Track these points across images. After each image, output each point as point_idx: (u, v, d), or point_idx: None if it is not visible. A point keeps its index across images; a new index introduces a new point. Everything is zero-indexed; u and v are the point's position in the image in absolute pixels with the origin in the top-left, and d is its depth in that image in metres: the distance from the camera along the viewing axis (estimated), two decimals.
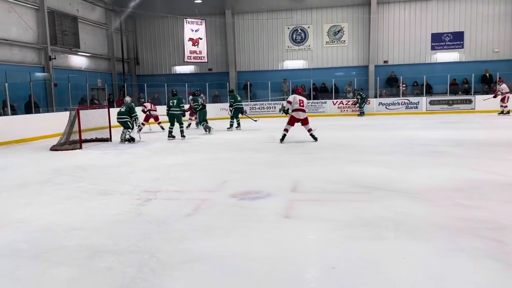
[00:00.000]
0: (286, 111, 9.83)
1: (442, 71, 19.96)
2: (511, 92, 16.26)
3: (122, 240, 3.61)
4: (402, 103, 19.47)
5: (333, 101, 20.03)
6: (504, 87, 16.19)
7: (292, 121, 9.76)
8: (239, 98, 14.12)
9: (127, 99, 11.78)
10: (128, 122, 11.12)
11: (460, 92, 19.44)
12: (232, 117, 13.87)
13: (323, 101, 20.21)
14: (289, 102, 9.71)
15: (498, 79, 17.49)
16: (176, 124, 11.58)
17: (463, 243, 3.31)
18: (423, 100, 19.25)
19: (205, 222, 4.07)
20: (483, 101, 17.33)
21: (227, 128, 13.70)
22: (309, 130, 9.84)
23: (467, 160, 6.97)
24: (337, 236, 3.57)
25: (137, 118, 11.45)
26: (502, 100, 16.07)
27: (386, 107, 19.66)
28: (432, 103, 19.18)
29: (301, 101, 9.66)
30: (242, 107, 14.36)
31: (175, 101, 11.40)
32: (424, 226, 3.74)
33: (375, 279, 2.79)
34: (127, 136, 11.14)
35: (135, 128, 11.38)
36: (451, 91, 19.61)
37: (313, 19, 21.54)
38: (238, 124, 14.08)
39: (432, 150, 8.12)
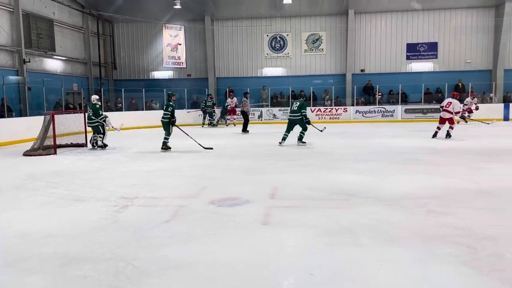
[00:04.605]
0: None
1: (417, 80, 20.46)
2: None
3: (97, 248, 3.54)
4: (378, 111, 19.86)
5: (311, 109, 20.17)
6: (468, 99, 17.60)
7: (440, 120, 11.62)
8: (295, 108, 11.07)
9: (93, 98, 10.91)
10: (100, 127, 10.61)
11: (434, 101, 19.92)
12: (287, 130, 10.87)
13: None
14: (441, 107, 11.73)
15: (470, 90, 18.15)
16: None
17: (438, 250, 3.38)
18: (399, 109, 19.70)
19: (182, 229, 4.03)
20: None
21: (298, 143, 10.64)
22: (451, 128, 11.48)
23: (442, 168, 7.14)
24: (316, 242, 3.59)
25: (105, 120, 10.61)
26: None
27: (363, 115, 19.99)
28: (407, 111, 19.63)
29: (448, 103, 11.38)
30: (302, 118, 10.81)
31: (164, 106, 10.25)
32: (400, 233, 3.80)
33: (352, 286, 2.82)
34: (99, 143, 10.69)
35: (106, 132, 10.74)
36: (425, 100, 20.11)
37: (292, 27, 21.79)
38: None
39: (407, 158, 8.28)
